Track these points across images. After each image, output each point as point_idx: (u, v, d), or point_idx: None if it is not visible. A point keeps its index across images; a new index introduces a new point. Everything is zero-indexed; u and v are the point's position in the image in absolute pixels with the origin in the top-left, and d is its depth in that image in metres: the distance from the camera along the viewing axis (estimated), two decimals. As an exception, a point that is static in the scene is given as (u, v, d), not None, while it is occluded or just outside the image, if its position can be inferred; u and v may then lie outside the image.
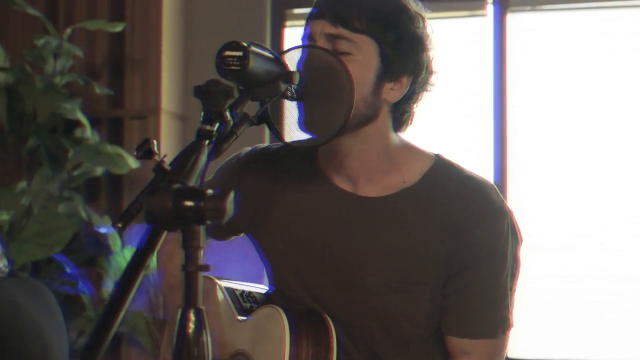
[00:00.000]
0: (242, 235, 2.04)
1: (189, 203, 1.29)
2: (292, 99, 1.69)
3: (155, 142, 1.42)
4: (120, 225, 1.44)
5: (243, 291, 2.01)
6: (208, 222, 1.30)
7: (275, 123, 1.72)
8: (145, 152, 1.40)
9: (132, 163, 3.70)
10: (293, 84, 1.60)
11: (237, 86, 1.55)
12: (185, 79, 4.25)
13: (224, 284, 2.02)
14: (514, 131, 4.00)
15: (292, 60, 1.72)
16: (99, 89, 3.80)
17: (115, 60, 4.07)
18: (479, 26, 4.04)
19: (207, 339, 1.33)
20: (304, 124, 1.71)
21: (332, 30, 1.74)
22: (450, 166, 1.86)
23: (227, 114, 1.47)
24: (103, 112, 4.04)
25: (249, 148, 2.01)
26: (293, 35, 4.27)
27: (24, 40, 3.88)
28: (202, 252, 1.34)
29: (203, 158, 1.41)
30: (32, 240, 3.46)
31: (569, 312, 3.97)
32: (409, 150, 1.86)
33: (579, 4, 4.04)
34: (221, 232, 2.02)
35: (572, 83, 4.00)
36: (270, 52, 1.59)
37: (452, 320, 1.81)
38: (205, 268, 1.34)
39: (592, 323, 3.95)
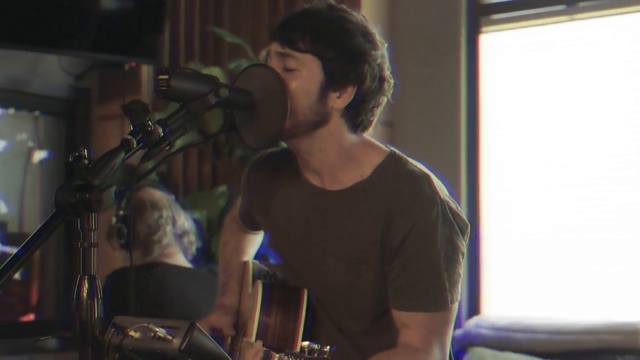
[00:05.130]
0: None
1: (78, 195, 1.70)
2: (246, 109, 2.04)
3: (85, 149, 1.83)
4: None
5: (268, 272, 2.37)
6: (94, 209, 1.71)
7: (240, 129, 2.08)
8: (76, 157, 1.83)
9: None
10: (221, 97, 1.95)
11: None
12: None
13: (257, 266, 2.39)
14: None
15: (249, 76, 2.07)
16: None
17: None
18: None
19: (97, 302, 1.71)
20: (256, 130, 2.05)
21: (281, 50, 2.05)
22: (398, 160, 2.11)
23: (151, 125, 1.85)
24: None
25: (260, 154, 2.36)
26: (489, 41, 4.47)
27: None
28: (94, 233, 1.73)
29: (116, 161, 1.80)
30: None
31: None
32: (366, 147, 2.12)
33: None
34: (252, 227, 2.39)
35: None
36: (198, 74, 1.97)
37: (391, 295, 2.05)
38: (96, 245, 1.73)
39: None
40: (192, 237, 3.64)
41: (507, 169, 4.36)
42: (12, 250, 4.77)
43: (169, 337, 1.66)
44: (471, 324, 4.04)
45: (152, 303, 3.38)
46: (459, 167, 4.35)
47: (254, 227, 2.41)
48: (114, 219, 3.59)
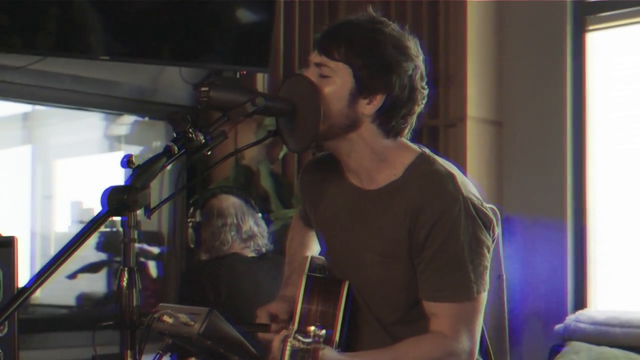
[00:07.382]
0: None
1: (119, 196, 1.94)
2: (285, 115, 2.24)
3: (134, 156, 2.07)
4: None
5: (323, 265, 2.56)
6: (131, 209, 1.94)
7: (283, 135, 2.28)
8: (126, 162, 2.07)
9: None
10: (258, 105, 2.15)
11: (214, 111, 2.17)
12: (501, 86, 4.69)
13: (316, 261, 2.59)
14: None
15: (289, 85, 2.26)
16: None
17: (430, 75, 4.61)
18: None
19: (135, 291, 1.94)
20: (296, 134, 2.24)
21: (318, 59, 2.25)
22: (426, 160, 2.26)
23: (192, 132, 2.08)
24: (423, 121, 4.60)
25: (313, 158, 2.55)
26: (595, 39, 4.50)
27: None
28: (133, 229, 1.96)
29: (158, 165, 2.04)
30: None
31: None
32: (399, 148, 2.28)
33: None
34: (311, 224, 2.58)
35: None
36: (238, 85, 2.18)
37: (420, 287, 2.20)
38: (135, 240, 1.97)
39: None
40: (260, 240, 3.86)
41: (613, 165, 4.38)
42: (147, 247, 5.13)
43: (191, 322, 1.88)
44: (572, 318, 4.10)
45: (225, 292, 3.61)
46: (564, 164, 4.40)
47: (312, 225, 2.61)
48: (189, 225, 3.88)
